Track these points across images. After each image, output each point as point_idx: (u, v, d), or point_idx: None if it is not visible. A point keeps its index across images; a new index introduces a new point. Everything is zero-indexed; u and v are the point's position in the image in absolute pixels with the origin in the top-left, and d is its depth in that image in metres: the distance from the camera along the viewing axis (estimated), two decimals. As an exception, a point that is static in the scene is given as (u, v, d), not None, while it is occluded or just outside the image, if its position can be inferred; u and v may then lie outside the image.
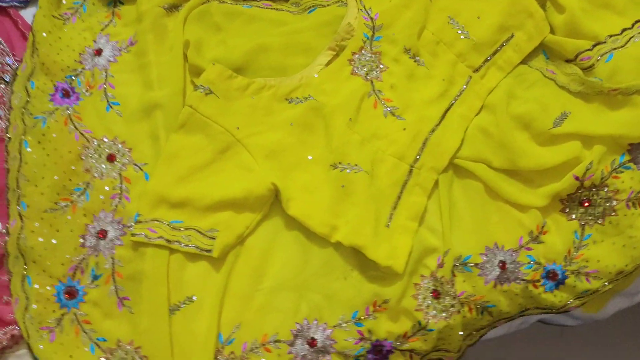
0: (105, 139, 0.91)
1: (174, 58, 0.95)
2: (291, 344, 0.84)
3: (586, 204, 0.90)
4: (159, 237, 0.84)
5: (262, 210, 0.88)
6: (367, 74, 0.94)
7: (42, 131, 0.90)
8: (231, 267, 0.86)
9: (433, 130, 0.91)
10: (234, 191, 0.86)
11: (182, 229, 0.86)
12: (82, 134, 0.91)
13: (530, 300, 0.89)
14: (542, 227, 0.89)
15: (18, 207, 0.87)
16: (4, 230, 0.86)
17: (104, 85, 0.95)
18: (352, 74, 0.94)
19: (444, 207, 0.89)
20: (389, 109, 0.93)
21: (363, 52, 0.95)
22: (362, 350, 0.86)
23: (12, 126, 0.91)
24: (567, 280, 0.88)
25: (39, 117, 0.91)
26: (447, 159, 0.90)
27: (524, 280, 0.88)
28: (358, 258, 0.88)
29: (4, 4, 1.00)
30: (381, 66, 0.95)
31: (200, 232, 0.86)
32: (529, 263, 0.88)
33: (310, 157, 0.90)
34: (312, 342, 0.84)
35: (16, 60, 0.96)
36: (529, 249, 0.89)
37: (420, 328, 0.87)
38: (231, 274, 0.86)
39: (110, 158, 0.90)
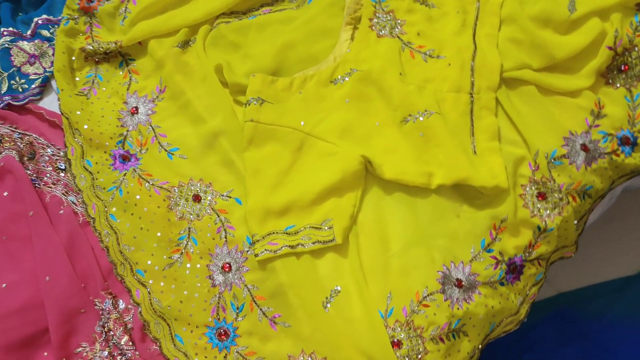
0: (182, 184, 0.91)
1: (212, 85, 0.96)
2: (442, 292, 0.86)
3: (624, 68, 0.97)
4: (281, 247, 0.85)
5: (360, 185, 0.90)
6: (390, 32, 0.98)
7: (123, 199, 0.89)
8: (357, 247, 0.87)
9: (473, 57, 0.96)
10: (330, 177, 0.88)
11: (298, 231, 0.86)
12: (160, 187, 0.90)
13: (617, 170, 0.95)
14: (599, 103, 0.95)
15: (135, 277, 0.85)
16: (130, 306, 0.84)
17: (156, 138, 0.95)
18: (378, 37, 0.98)
19: (514, 118, 0.94)
20: (426, 53, 0.97)
21: (377, 15, 0.99)
22: (501, 272, 0.88)
23: (90, 206, 0.89)
24: (638, 140, 0.94)
25: (112, 188, 0.90)
26: (497, 75, 0.95)
27: (606, 153, 0.93)
28: (460, 194, 0.91)
29: (20, 102, 0.98)
30: (399, 21, 0.99)
31: (316, 228, 0.86)
32: (603, 137, 0.94)
33: (377, 123, 0.93)
34: (459, 284, 0.86)
35: (57, 149, 0.94)
36: (597, 125, 0.95)
37: (541, 232, 0.90)
38: (360, 253, 0.87)
39: (196, 199, 0.90)
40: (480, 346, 0.90)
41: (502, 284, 0.89)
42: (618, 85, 0.97)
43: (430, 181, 0.89)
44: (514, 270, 0.90)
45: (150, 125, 0.96)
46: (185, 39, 1.01)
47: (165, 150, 0.94)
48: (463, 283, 0.86)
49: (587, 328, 1.38)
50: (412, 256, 0.87)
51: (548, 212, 0.91)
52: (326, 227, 0.86)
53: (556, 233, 0.91)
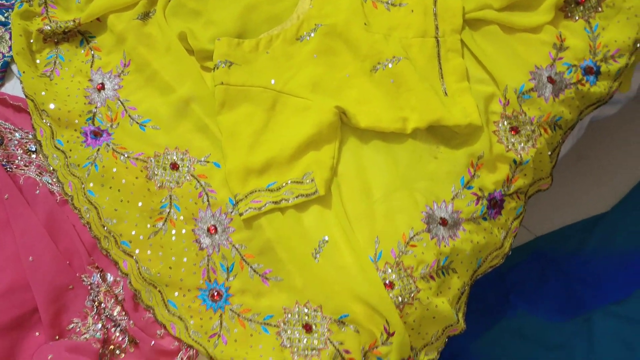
0: (158, 154, 0.90)
1: (177, 54, 0.95)
2: (428, 231, 0.87)
3: (581, 1, 0.99)
4: (265, 204, 0.84)
5: (337, 136, 0.90)
6: (350, -16, 0.98)
7: (99, 173, 0.87)
8: (340, 197, 0.88)
9: (435, 2, 0.97)
10: (306, 131, 0.88)
11: (280, 187, 0.86)
12: (136, 159, 0.89)
13: (583, 100, 0.98)
14: (560, 36, 0.97)
15: (120, 249, 0.84)
16: (118, 278, 0.83)
17: (126, 112, 0.94)
18: (339, -10, 0.98)
19: (480, 57, 0.95)
20: (388, 2, 0.98)
21: (335, -32, 0.99)
22: (483, 208, 0.90)
23: (66, 185, 0.87)
24: (601, 69, 0.97)
25: (87, 164, 0.89)
26: (460, 18, 0.96)
27: (572, 84, 0.95)
28: (436, 136, 0.93)
29: (-19, 90, 0.95)
30: (357, -28, 0.99)
31: (298, 182, 0.87)
32: (568, 69, 0.96)
33: (347, 75, 0.93)
34: (443, 222, 0.87)
35: (25, 132, 0.92)
36: (560, 58, 0.97)
37: (517, 165, 0.92)
38: (343, 202, 0.87)
39: (174, 167, 0.89)
40: (469, 282, 0.91)
41: (484, 219, 0.91)
42: (577, 17, 0.99)
43: (405, 126, 0.90)
44: (495, 205, 0.92)
45: (119, 100, 0.94)
46: (145, 10, 0.99)
47: (137, 123, 0.93)
48: (447, 221, 0.88)
49: (566, 265, 1.41)
50: (395, 200, 0.88)
51: (522, 145, 0.92)
52: (308, 181, 0.86)
53: (532, 165, 0.93)
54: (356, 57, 0.94)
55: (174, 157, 0.90)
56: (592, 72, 0.97)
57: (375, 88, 0.92)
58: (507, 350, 1.33)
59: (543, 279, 1.40)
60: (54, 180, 0.88)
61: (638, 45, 0.97)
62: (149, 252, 0.84)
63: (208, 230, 0.85)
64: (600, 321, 1.30)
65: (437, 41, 0.96)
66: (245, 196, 0.85)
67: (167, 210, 0.86)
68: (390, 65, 0.92)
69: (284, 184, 0.86)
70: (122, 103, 0.94)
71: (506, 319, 1.35)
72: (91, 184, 0.87)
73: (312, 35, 0.95)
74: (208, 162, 0.90)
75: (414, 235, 0.86)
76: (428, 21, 0.96)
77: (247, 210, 0.84)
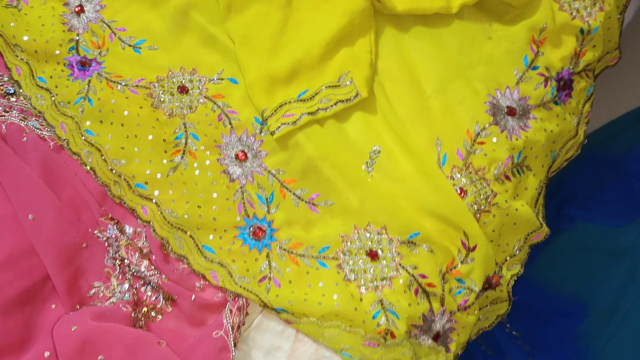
0: (161, 78, 0.75)
1: (165, -45, 0.79)
2: (496, 123, 0.73)
3: None
4: (300, 117, 0.70)
5: (371, 26, 0.75)
6: None
7: (95, 108, 0.72)
8: (385, 98, 0.73)
9: None
10: (334, 23, 0.73)
11: (314, 95, 0.72)
12: (136, 87, 0.74)
13: None
14: None
15: (136, 193, 0.70)
16: (139, 229, 0.69)
17: (114, 35, 0.78)
18: None
19: None
20: None
21: None
22: (552, 90, 0.76)
23: (58, 127, 0.72)
24: None
25: (79, 100, 0.74)
26: None
27: None
28: (486, 12, 0.78)
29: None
30: None
31: (334, 86, 0.72)
32: None
33: (371, -46, 0.77)
34: (510, 111, 0.74)
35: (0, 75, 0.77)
36: None
37: (585, 35, 0.78)
38: (391, 103, 0.73)
39: (183, 90, 0.74)
40: (545, 180, 0.78)
41: (555, 103, 0.77)
42: None
43: (449, 3, 0.75)
44: (565, 86, 0.78)
45: (104, 22, 0.78)
46: None
47: (130, 46, 0.77)
48: (515, 110, 0.74)
49: (621, 163, 1.28)
50: (452, 92, 0.74)
51: (588, 10, 0.78)
52: (346, 83, 0.72)
53: (601, 33, 0.78)
54: None
55: (181, 79, 0.75)
56: None
57: (408, -36, 0.76)
58: (571, 264, 1.21)
59: (598, 182, 1.27)
60: (43, 124, 0.73)
61: None
62: (170, 192, 0.70)
63: (236, 157, 0.71)
64: (667, 218, 1.18)
65: None
66: (275, 110, 0.70)
67: (184, 140, 0.72)
68: None
69: (318, 91, 0.72)
70: (108, 25, 0.78)
71: (564, 232, 1.23)
72: (88, 122, 0.72)
73: None
74: (222, 79, 0.75)
75: (481, 130, 0.72)
76: None
77: (279, 128, 0.70)
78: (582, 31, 0.78)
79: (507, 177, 0.72)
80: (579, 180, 1.29)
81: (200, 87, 0.74)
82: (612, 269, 1.19)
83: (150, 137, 0.71)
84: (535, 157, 0.75)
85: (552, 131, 0.76)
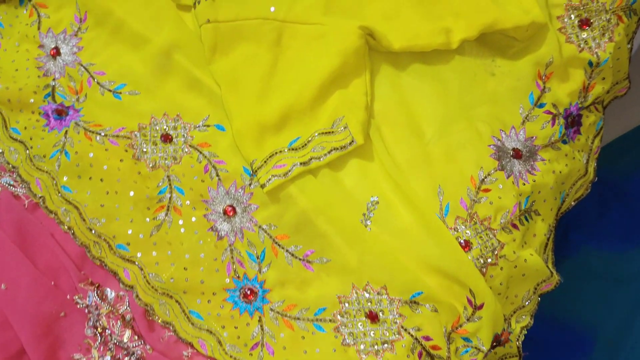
0: (144, 125, 0.70)
1: (145, -6, 0.74)
2: (501, 168, 0.68)
3: None
4: (291, 168, 0.65)
5: (366, 65, 0.70)
6: None
7: (73, 162, 0.68)
8: (382, 143, 0.69)
9: None
10: (327, 64, 0.68)
11: (306, 143, 0.67)
12: (116, 137, 0.69)
13: None
14: None
15: (117, 255, 0.65)
16: (122, 293, 0.64)
17: (92, 79, 0.73)
18: None
19: None
20: None
21: None
22: (561, 128, 0.71)
23: (33, 183, 0.68)
24: None
25: (55, 154, 0.69)
26: None
27: None
28: (488, 46, 0.73)
29: None
30: None
31: (327, 133, 0.67)
32: None
33: (366, -14, 0.73)
34: (516, 154, 0.69)
35: (-29, 126, 0.72)
36: None
37: (594, 68, 0.73)
38: (389, 149, 0.69)
39: (166, 139, 0.69)
40: (554, 223, 0.73)
41: (564, 142, 0.72)
42: None
43: (449, 39, 0.70)
44: (573, 122, 0.73)
45: (81, 65, 0.74)
46: (93, -54, 0.77)
47: (109, 91, 0.72)
48: (521, 152, 0.69)
49: (626, 186, 1.23)
50: (454, 135, 0.69)
51: (597, 41, 0.73)
52: (340, 129, 0.67)
53: (611, 65, 0.74)
54: (373, -40, 0.73)
55: (165, 127, 0.70)
56: None
57: (404, -4, 0.72)
58: (578, 292, 1.17)
59: (603, 206, 1.23)
60: (17, 179, 0.68)
61: None
62: (154, 253, 0.65)
63: (224, 212, 0.66)
64: (673, 242, 1.14)
65: None
66: (265, 161, 0.66)
67: (168, 195, 0.67)
68: (419, -36, 0.71)
69: (310, 138, 0.67)
70: (85, 69, 0.73)
71: (569, 258, 1.19)
72: (65, 178, 0.68)
73: (311, -58, 0.74)
74: (208, 125, 0.70)
75: (486, 177, 0.67)
76: None
77: (269, 180, 0.65)
78: (590, 64, 0.73)
79: (515, 226, 0.67)
80: (583, 204, 1.25)
81: (185, 135, 0.70)
82: (619, 297, 1.15)
83: (131, 193, 0.66)
84: (544, 200, 0.71)
85: (560, 172, 0.71)
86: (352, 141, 0.67)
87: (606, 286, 1.16)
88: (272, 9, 0.71)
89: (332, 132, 0.67)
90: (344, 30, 0.69)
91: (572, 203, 0.77)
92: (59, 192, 0.67)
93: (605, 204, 1.24)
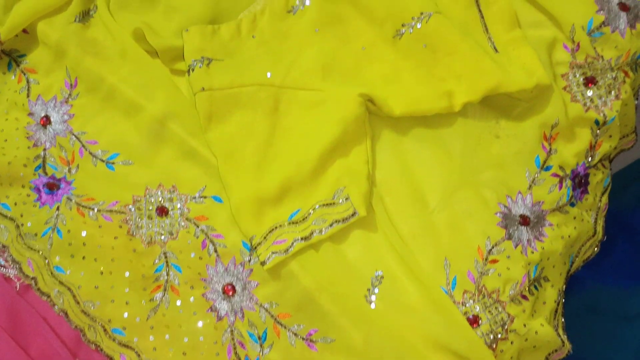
0: (138, 198, 0.67)
1: (137, 59, 0.72)
2: (509, 237, 0.66)
3: None
4: (292, 243, 0.63)
5: (367, 133, 0.68)
6: None
7: (65, 241, 0.65)
8: (386, 214, 0.67)
9: None
10: (327, 133, 0.66)
11: (307, 216, 0.65)
12: (110, 211, 0.67)
13: None
14: None
15: (114, 339, 0.62)
16: (118, 378, 0.62)
17: (84, 149, 0.71)
18: None
19: None
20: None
21: None
22: (568, 191, 0.69)
23: (25, 264, 0.65)
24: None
25: (47, 231, 0.66)
26: None
27: None
28: (492, 108, 0.71)
29: None
30: None
31: (328, 204, 0.65)
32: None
33: (364, 48, 0.71)
34: (524, 221, 0.67)
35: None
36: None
37: (600, 126, 0.71)
38: (392, 219, 0.66)
39: (162, 212, 0.67)
40: (563, 287, 0.71)
41: (572, 204, 0.70)
42: None
43: (452, 102, 0.68)
44: (580, 183, 0.72)
45: (73, 134, 0.71)
46: (83, 9, 0.75)
47: (102, 161, 0.70)
48: (529, 218, 0.67)
49: (630, 219, 1.21)
50: (459, 204, 0.67)
51: (603, 99, 0.71)
52: (341, 200, 0.65)
53: (618, 123, 0.72)
54: (372, 21, 0.71)
55: (160, 199, 0.68)
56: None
57: (404, 59, 0.70)
58: (583, 330, 1.14)
59: (608, 241, 1.21)
60: (7, 260, 0.66)
61: None
62: (151, 337, 0.63)
63: (223, 291, 0.64)
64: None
65: (472, -18, 0.72)
66: (264, 237, 0.63)
67: (165, 273, 0.65)
68: (418, 26, 0.69)
69: (311, 211, 0.65)
70: (77, 138, 0.71)
71: (575, 297, 1.16)
72: (57, 258, 0.65)
73: (307, 3, 0.72)
74: (205, 197, 0.68)
75: (493, 247, 0.65)
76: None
77: (270, 257, 0.63)
78: (597, 122, 0.71)
79: (524, 297, 0.65)
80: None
81: (182, 207, 0.67)
82: (626, 334, 1.13)
83: (127, 273, 0.64)
84: (553, 266, 0.69)
85: (569, 236, 0.69)
86: (355, 213, 0.64)
87: (612, 324, 1.14)
88: (269, 74, 0.69)
89: (334, 203, 0.65)
90: (344, 98, 0.67)
91: (582, 264, 0.75)
92: (51, 273, 0.65)
93: (610, 238, 1.22)
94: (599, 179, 0.74)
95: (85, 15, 0.75)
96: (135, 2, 0.75)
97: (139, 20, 0.73)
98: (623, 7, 0.73)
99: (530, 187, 0.68)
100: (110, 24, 0.73)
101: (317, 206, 0.65)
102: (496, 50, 0.71)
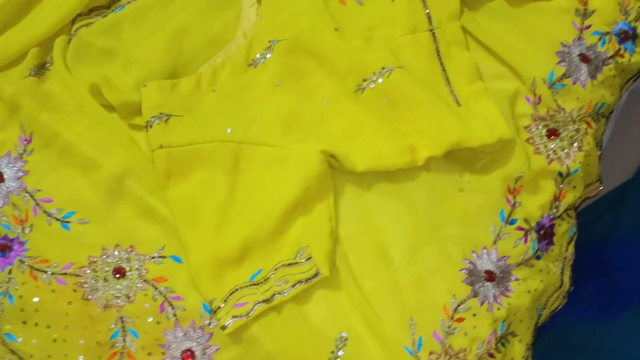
0: (94, 259, 0.65)
1: (94, 114, 0.71)
2: (474, 295, 0.65)
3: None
4: (254, 307, 0.62)
5: (330, 189, 0.67)
6: (304, -24, 0.74)
7: (17, 307, 0.63)
8: (350, 272, 0.65)
9: None
10: (289, 191, 0.65)
11: (268, 277, 0.63)
12: (64, 274, 0.64)
13: (623, 74, 0.77)
14: None
15: (67, 411, 0.60)
16: None
17: (39, 207, 0.68)
18: (292, -12, 0.74)
19: (491, 44, 0.73)
20: (358, -7, 0.74)
21: (279, -41, 0.75)
22: (534, 244, 0.69)
23: (-25, 333, 0.62)
24: (638, 31, 0.76)
25: (-2, 296, 0.64)
26: (454, -3, 0.73)
27: (609, 58, 0.74)
28: (455, 161, 0.71)
29: None
30: (310, -39, 0.75)
31: (291, 264, 0.64)
32: (600, 38, 0.76)
33: (326, 102, 0.70)
34: (490, 277, 0.66)
35: None
36: (587, 27, 0.77)
37: (564, 177, 0.71)
38: (356, 278, 0.65)
39: (119, 273, 0.65)
40: (531, 340, 0.70)
41: (538, 257, 0.70)
42: (594, -30, 0.77)
43: (415, 157, 0.68)
44: (546, 234, 0.71)
45: (27, 192, 0.69)
46: (39, 62, 0.74)
47: (57, 220, 0.68)
48: (494, 274, 0.66)
49: (601, 252, 1.22)
50: (423, 260, 0.66)
51: (566, 151, 0.71)
52: (303, 260, 0.64)
53: (581, 174, 0.72)
54: (333, 75, 0.70)
55: (117, 259, 0.65)
56: (628, 37, 0.77)
57: (366, 113, 0.69)
58: (556, 367, 1.14)
59: (580, 275, 1.21)
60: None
61: None
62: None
63: (182, 357, 0.62)
64: (653, 312, 1.13)
65: (433, 35, 0.73)
66: (224, 300, 0.62)
67: (121, 339, 0.63)
68: (380, 80, 0.69)
69: (272, 271, 0.63)
70: (31, 195, 0.69)
71: (548, 333, 1.16)
72: (8, 326, 0.63)
73: (269, 56, 0.71)
74: (164, 257, 0.66)
75: (459, 305, 0.65)
76: (416, 10, 0.73)
77: (230, 321, 0.61)
78: (560, 174, 0.71)
79: (491, 355, 0.64)
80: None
81: (140, 268, 0.65)
82: (599, 371, 1.13)
83: (81, 341, 0.62)
84: (520, 321, 0.68)
85: (536, 290, 0.69)
86: (317, 273, 0.63)
87: (585, 358, 1.14)
88: (229, 130, 0.68)
89: (296, 263, 0.64)
90: (305, 155, 0.66)
91: (549, 316, 0.75)
92: (2, 341, 0.62)
93: (582, 272, 1.22)
94: (564, 230, 0.74)
95: (40, 69, 0.74)
96: (93, 55, 0.73)
97: (96, 74, 0.71)
98: (584, 58, 0.74)
99: (495, 242, 0.68)
100: (66, 78, 0.71)
101: (279, 266, 0.64)
102: (458, 104, 0.70)
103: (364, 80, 0.69)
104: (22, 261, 0.65)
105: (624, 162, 1.28)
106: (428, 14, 0.73)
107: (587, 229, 1.25)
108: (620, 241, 1.21)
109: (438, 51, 0.72)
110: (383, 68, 0.69)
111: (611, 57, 0.75)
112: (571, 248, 0.76)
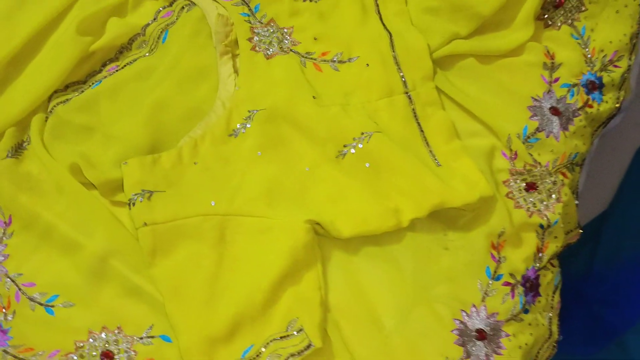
0: (81, 344, 0.64)
1: (74, 193, 0.70)
2: (467, 355, 0.65)
3: (560, 2, 0.80)
4: (248, 384, 0.60)
5: (317, 257, 0.67)
6: (280, 47, 0.76)
7: (2, 402, 0.61)
8: (341, 340, 0.65)
9: (392, 46, 0.75)
10: (276, 262, 0.65)
11: (260, 352, 0.63)
12: (50, 361, 0.63)
13: (593, 122, 0.79)
14: (548, 52, 0.78)
15: None
16: None
17: (21, 293, 0.67)
18: (267, 58, 0.75)
19: (464, 103, 0.75)
20: (334, 60, 0.76)
21: (256, 31, 0.76)
22: (521, 298, 0.70)
23: None
24: (604, 80, 0.79)
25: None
26: (428, 59, 0.75)
27: (578, 109, 0.77)
28: (438, 220, 0.72)
29: None
30: (285, 30, 0.77)
31: (282, 337, 0.63)
32: (568, 90, 0.78)
33: (307, 169, 0.71)
34: (481, 336, 0.66)
35: None
36: (556, 80, 0.79)
37: (545, 229, 0.72)
38: (348, 345, 0.65)
39: (107, 356, 0.64)
40: None
41: (526, 311, 0.70)
42: (559, 24, 0.80)
43: (399, 219, 0.68)
44: (532, 286, 0.72)
45: (8, 277, 0.68)
46: (15, 142, 0.73)
47: (41, 304, 0.66)
48: (485, 332, 0.67)
49: (582, 286, 1.23)
50: (414, 323, 0.66)
51: (545, 203, 0.73)
52: (295, 332, 0.63)
53: (561, 224, 0.73)
54: (313, 143, 0.71)
55: (105, 342, 0.64)
56: (595, 87, 0.79)
57: (349, 178, 0.70)
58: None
59: (562, 310, 1.22)
60: None
61: (634, 41, 0.79)
62: None
63: None
64: (636, 343, 1.14)
65: (409, 97, 0.74)
66: (218, 380, 0.61)
67: None
68: (360, 145, 0.70)
69: (264, 346, 0.63)
70: (13, 280, 0.67)
71: (530, 368, 1.16)
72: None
73: (249, 125, 0.72)
74: (152, 337, 0.65)
75: (452, 369, 0.64)
76: (390, 73, 0.74)
77: (224, 403, 0.60)
78: (541, 226, 0.72)
79: (486, 411, 0.64)
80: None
81: (128, 350, 0.64)
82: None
83: None
84: (512, 376, 0.68)
85: (526, 344, 0.69)
86: (310, 345, 0.63)
87: (570, 396, 1.14)
88: (213, 203, 0.68)
89: (287, 335, 0.63)
90: (291, 226, 0.66)
91: (541, 367, 0.75)
92: None
93: (563, 307, 1.23)
94: (549, 279, 0.75)
95: (18, 149, 0.73)
96: (71, 132, 0.73)
97: (75, 151, 0.71)
98: (555, 111, 0.76)
99: (483, 299, 0.68)
100: (44, 157, 0.71)
101: (270, 340, 0.63)
102: (438, 164, 0.71)
103: (344, 146, 0.70)
104: (5, 352, 0.63)
105: (598, 194, 1.30)
106: (402, 76, 0.74)
107: (567, 265, 1.26)
108: (600, 274, 1.23)
109: (415, 113, 0.73)
110: (362, 133, 0.70)
111: (580, 108, 0.77)
112: (557, 297, 0.76)
